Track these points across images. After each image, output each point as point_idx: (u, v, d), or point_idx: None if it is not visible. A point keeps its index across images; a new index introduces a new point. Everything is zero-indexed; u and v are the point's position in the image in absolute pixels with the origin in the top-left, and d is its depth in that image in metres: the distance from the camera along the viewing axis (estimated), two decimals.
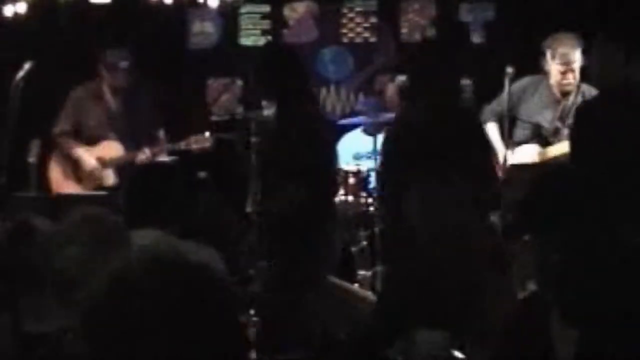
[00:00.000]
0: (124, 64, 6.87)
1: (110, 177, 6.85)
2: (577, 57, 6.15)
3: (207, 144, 6.81)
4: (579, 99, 6.20)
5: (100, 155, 6.87)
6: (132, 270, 1.59)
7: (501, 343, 4.18)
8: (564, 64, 6.15)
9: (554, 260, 3.44)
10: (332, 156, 5.83)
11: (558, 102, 6.28)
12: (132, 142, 6.87)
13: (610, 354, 3.21)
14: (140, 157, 6.79)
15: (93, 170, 6.83)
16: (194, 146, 6.80)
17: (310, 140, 5.52)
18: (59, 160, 6.93)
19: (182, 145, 6.80)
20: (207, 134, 6.88)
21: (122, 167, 6.82)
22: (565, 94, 6.26)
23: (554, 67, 6.20)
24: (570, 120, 6.11)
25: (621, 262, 3.26)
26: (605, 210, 3.33)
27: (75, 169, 6.91)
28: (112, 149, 6.87)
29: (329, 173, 5.72)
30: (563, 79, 6.20)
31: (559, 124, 6.24)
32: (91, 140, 6.91)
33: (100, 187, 6.82)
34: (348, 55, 8.22)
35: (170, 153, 6.87)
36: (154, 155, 6.80)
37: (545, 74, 6.32)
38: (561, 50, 6.16)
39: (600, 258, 3.30)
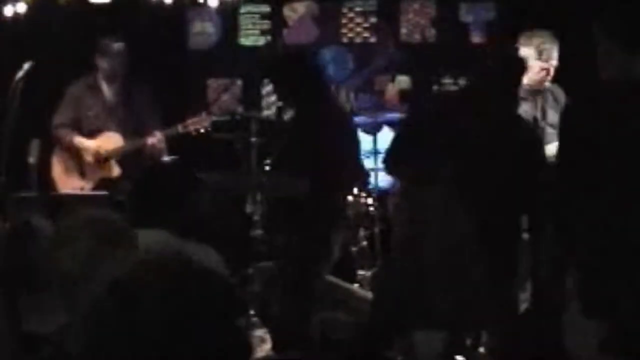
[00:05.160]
0: (118, 45, 6.87)
1: (113, 169, 6.86)
2: (557, 55, 6.13)
3: (206, 124, 6.80)
4: (550, 98, 6.20)
5: (101, 146, 6.87)
6: (135, 271, 1.59)
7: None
8: (548, 60, 6.12)
9: (578, 254, 3.45)
10: (346, 152, 5.82)
11: (532, 101, 6.24)
12: (131, 132, 6.86)
13: (634, 344, 3.21)
14: (140, 145, 6.79)
15: (97, 152, 6.82)
16: (192, 128, 6.79)
17: (323, 136, 5.53)
18: (60, 156, 6.94)
19: (180, 128, 6.80)
20: (204, 114, 6.88)
21: (124, 158, 6.82)
22: (536, 92, 6.21)
23: (537, 64, 6.13)
24: (550, 119, 6.12)
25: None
26: None
27: (77, 162, 6.91)
28: (112, 140, 6.87)
29: (340, 168, 5.70)
30: (546, 76, 6.15)
31: (542, 123, 6.22)
32: (91, 133, 6.92)
33: (104, 179, 6.83)
34: (348, 55, 8.22)
35: (169, 138, 6.86)
36: (154, 143, 6.78)
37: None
38: (547, 46, 6.12)
39: (625, 251, 3.30)
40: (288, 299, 5.63)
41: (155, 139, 6.76)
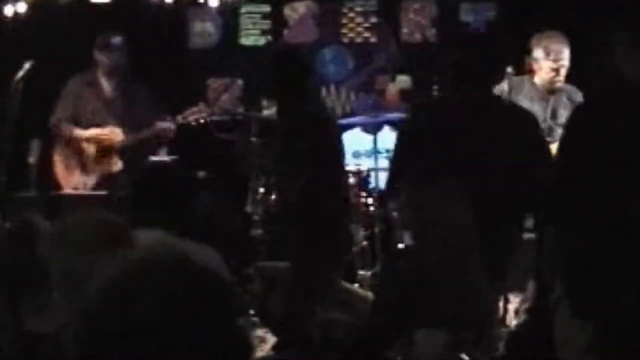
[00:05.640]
0: (117, 40, 6.87)
1: (115, 164, 6.85)
2: (567, 55, 6.14)
3: (204, 114, 6.80)
4: (564, 98, 6.21)
5: (103, 139, 6.87)
6: (134, 270, 1.59)
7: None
8: (557, 60, 6.13)
9: (565, 252, 3.44)
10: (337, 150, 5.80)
11: (545, 100, 6.25)
12: (131, 127, 6.86)
13: (622, 344, 3.21)
14: (140, 137, 6.79)
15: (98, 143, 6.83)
16: (191, 118, 6.79)
17: (316, 137, 5.53)
18: (61, 152, 6.92)
19: (180, 119, 6.80)
20: (201, 104, 6.89)
21: (125, 152, 6.82)
22: (550, 92, 6.23)
23: (546, 65, 6.16)
24: (561, 119, 6.12)
25: (633, 256, 3.26)
26: None
27: (78, 158, 6.90)
28: (112, 134, 6.87)
29: (336, 166, 5.69)
30: (555, 76, 6.17)
31: (551, 123, 6.22)
32: (90, 128, 6.91)
33: (106, 174, 6.82)
34: (348, 55, 8.22)
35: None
36: (154, 135, 6.79)
37: (527, 73, 6.27)
38: (555, 47, 6.13)
39: (613, 251, 3.30)
40: (292, 299, 5.63)
41: (168, 124, 6.76)
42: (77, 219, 2.98)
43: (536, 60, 6.18)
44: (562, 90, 6.23)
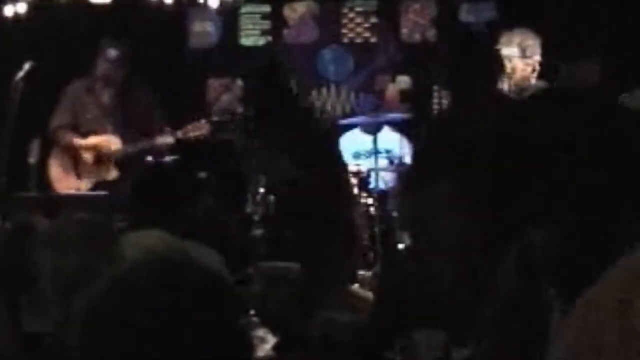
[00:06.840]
0: (114, 52, 6.84)
1: (111, 171, 6.84)
2: (539, 50, 6.02)
3: (204, 131, 6.80)
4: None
5: (101, 147, 6.86)
6: (136, 271, 1.59)
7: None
8: (531, 57, 6.00)
9: (554, 250, 3.44)
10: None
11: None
12: (129, 135, 6.85)
13: None
14: (137, 148, 6.78)
15: (97, 151, 6.82)
16: (191, 134, 6.79)
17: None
18: (58, 157, 6.92)
19: (180, 134, 6.79)
20: (203, 121, 6.88)
21: (122, 160, 6.81)
22: (522, 91, 6.05)
23: (521, 63, 6.00)
24: None
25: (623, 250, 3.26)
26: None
27: (74, 164, 6.90)
28: (110, 142, 6.86)
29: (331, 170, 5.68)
30: (532, 72, 6.02)
31: None
32: (88, 135, 6.90)
33: (101, 181, 6.82)
34: (348, 55, 8.22)
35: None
36: (152, 147, 6.78)
37: (498, 73, 6.12)
38: (528, 42, 6.00)
39: (604, 246, 3.30)
40: (293, 301, 5.62)
41: (168, 137, 6.75)
42: (62, 220, 3.00)
43: (509, 59, 6.03)
44: (535, 87, 6.06)
